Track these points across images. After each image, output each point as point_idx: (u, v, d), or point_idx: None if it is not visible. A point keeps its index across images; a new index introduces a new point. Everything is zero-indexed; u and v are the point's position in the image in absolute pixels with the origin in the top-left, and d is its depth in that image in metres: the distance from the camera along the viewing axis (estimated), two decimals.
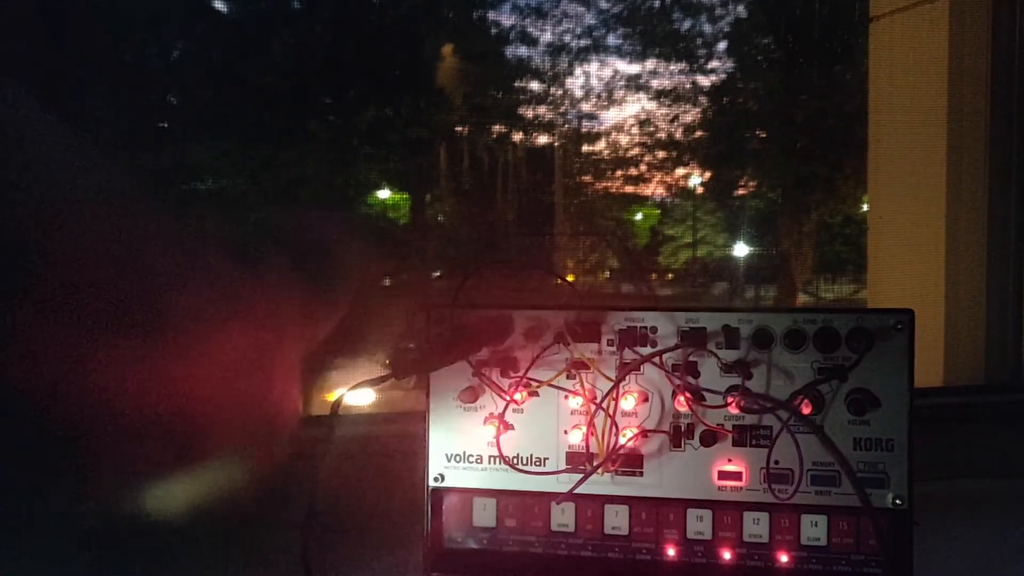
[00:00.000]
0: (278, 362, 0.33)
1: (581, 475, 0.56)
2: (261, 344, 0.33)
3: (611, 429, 0.56)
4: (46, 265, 0.26)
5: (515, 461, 0.58)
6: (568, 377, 0.57)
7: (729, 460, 0.56)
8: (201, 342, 0.31)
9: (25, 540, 0.77)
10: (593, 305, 0.57)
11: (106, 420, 0.29)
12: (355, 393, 0.56)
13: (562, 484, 0.57)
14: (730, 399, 0.54)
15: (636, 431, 0.56)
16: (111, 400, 0.29)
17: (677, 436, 0.56)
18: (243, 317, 0.33)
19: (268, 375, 0.32)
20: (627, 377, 0.56)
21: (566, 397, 0.57)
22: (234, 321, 0.33)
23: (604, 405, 0.56)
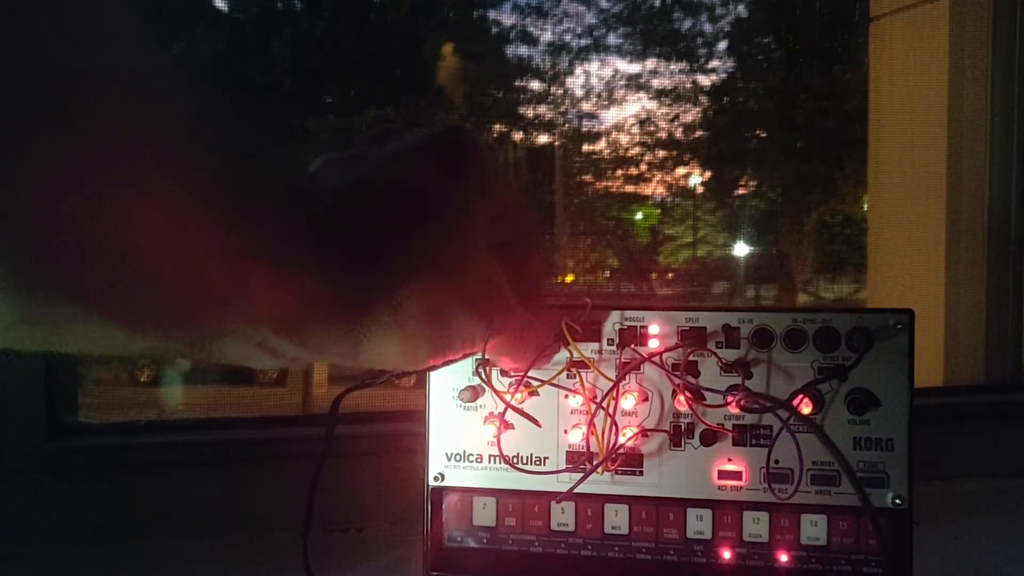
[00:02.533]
0: None
1: (581, 474, 0.56)
2: None
3: (611, 428, 0.56)
4: None
5: (515, 460, 0.58)
6: (568, 376, 0.57)
7: (729, 459, 0.56)
8: None
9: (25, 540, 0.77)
10: (593, 304, 0.57)
11: None
12: (355, 392, 0.56)
13: (562, 483, 0.57)
14: (730, 398, 0.54)
15: (636, 430, 0.56)
16: None
17: (677, 435, 0.56)
18: None
19: None
20: (627, 376, 0.56)
21: (566, 396, 0.57)
22: None
23: (604, 404, 0.56)
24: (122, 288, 0.29)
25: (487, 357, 0.55)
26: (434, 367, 0.44)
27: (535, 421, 0.57)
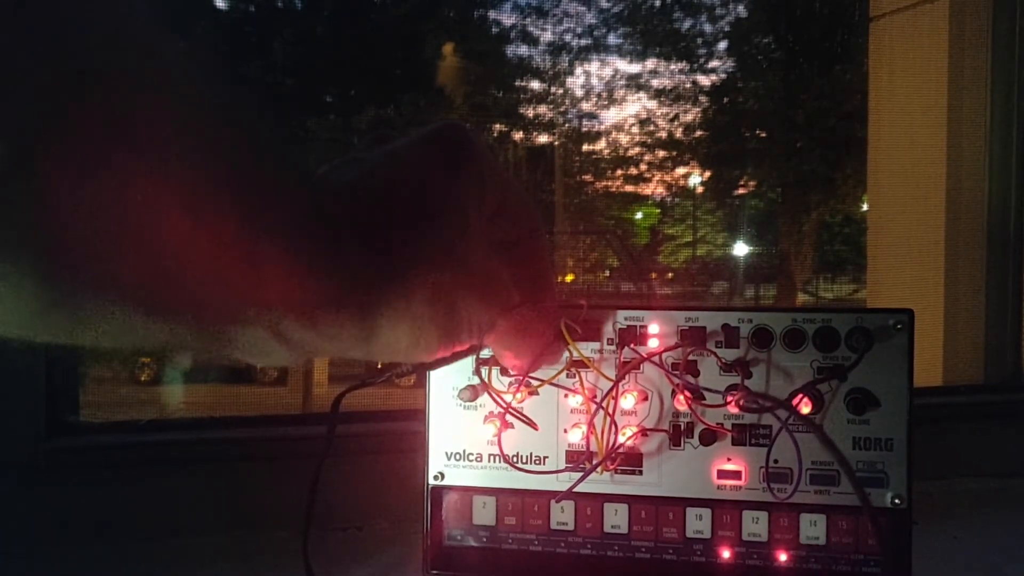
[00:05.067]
0: None
1: (581, 474, 0.56)
2: None
3: (611, 428, 0.56)
4: None
5: (515, 460, 0.58)
6: (568, 376, 0.57)
7: (728, 459, 0.56)
8: None
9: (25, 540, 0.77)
10: (593, 304, 0.57)
11: None
12: (355, 391, 0.57)
13: (561, 483, 0.57)
14: (729, 398, 0.54)
15: (636, 430, 0.56)
16: None
17: (676, 435, 0.56)
18: None
19: None
20: (627, 376, 0.56)
21: (566, 396, 0.57)
22: None
23: (604, 404, 0.56)
24: (143, 275, 0.30)
25: (490, 354, 0.55)
26: (441, 362, 0.45)
27: (532, 424, 0.57)
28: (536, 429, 0.57)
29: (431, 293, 0.39)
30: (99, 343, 0.32)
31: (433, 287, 0.39)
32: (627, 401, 0.57)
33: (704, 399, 0.55)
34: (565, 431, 0.58)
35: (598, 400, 0.56)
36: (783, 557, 0.56)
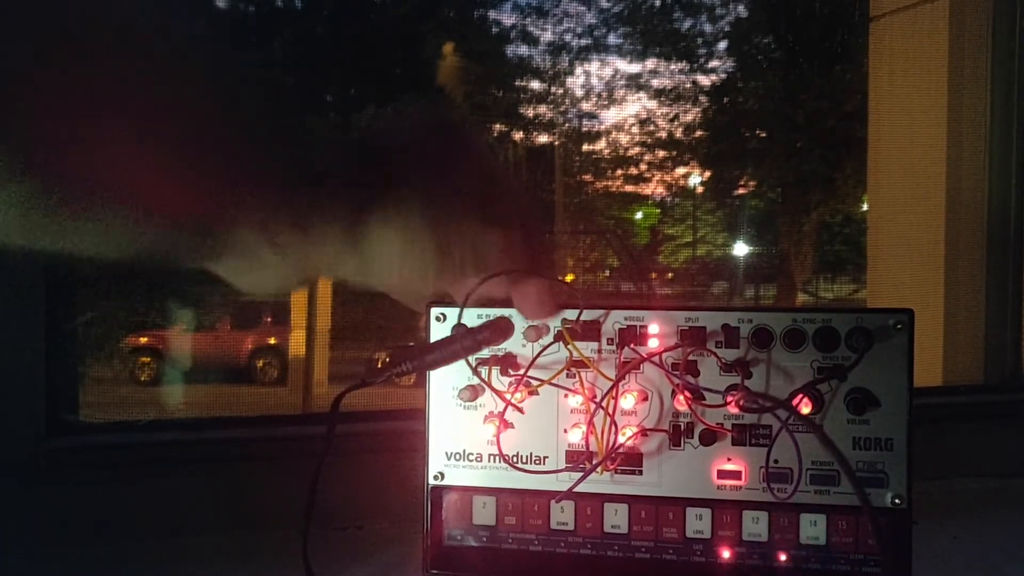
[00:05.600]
0: None
1: (580, 474, 0.56)
2: None
3: (610, 428, 0.56)
4: None
5: (515, 460, 0.58)
6: (568, 376, 0.57)
7: (728, 459, 0.56)
8: None
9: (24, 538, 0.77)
10: (593, 304, 0.57)
11: None
12: (355, 391, 0.57)
13: (561, 483, 0.57)
14: (729, 398, 0.54)
15: (635, 430, 0.56)
16: None
17: (676, 435, 0.56)
18: None
19: None
20: (626, 376, 0.56)
21: (566, 396, 0.57)
22: None
23: (603, 404, 0.56)
24: (141, 195, 0.33)
25: (489, 354, 0.55)
26: (441, 361, 0.45)
27: (519, 410, 0.57)
28: (522, 412, 0.57)
29: (423, 206, 0.39)
30: (88, 248, 0.34)
31: (426, 200, 0.39)
32: (627, 401, 0.57)
33: (704, 399, 0.55)
34: (565, 431, 0.58)
35: (598, 400, 0.56)
36: (783, 557, 0.56)
